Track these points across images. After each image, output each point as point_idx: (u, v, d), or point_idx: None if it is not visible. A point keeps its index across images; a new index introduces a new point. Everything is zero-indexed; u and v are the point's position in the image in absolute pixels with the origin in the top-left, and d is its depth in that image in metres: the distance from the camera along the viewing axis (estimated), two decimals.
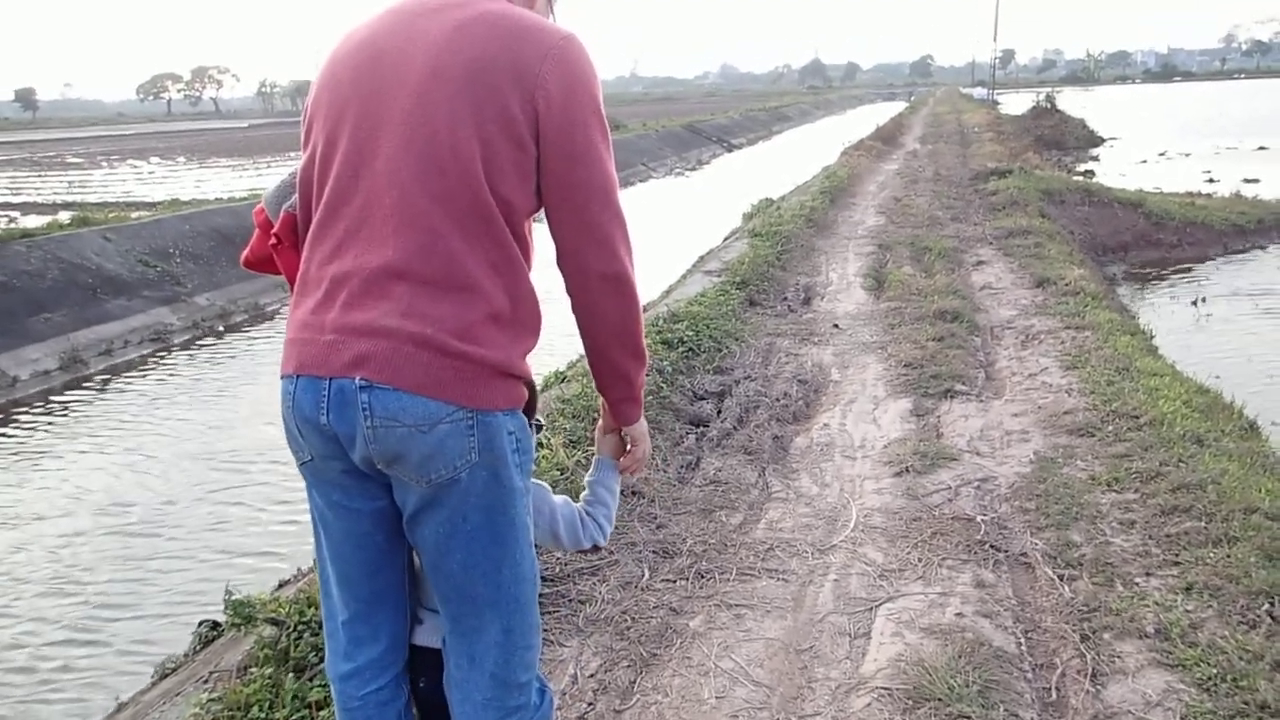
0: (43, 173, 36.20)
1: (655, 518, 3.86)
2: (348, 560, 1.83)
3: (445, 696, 1.87)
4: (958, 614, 3.09)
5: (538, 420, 1.95)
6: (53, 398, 9.33)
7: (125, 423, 8.45)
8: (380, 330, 1.62)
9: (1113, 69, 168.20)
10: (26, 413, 8.85)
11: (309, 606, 2.75)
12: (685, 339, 5.94)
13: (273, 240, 1.87)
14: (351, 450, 1.68)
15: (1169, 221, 12.92)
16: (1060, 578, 3.29)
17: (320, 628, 2.21)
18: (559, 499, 2.04)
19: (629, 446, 2.05)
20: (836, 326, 6.83)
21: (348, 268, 1.66)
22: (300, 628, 2.67)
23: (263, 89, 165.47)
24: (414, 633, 1.95)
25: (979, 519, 3.73)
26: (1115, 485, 3.90)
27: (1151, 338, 6.66)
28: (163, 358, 10.93)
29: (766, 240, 9.47)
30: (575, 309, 1.80)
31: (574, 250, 1.74)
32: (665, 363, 5.49)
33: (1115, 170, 22.06)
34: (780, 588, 3.34)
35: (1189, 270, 11.81)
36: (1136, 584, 3.20)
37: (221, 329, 12.23)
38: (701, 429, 4.91)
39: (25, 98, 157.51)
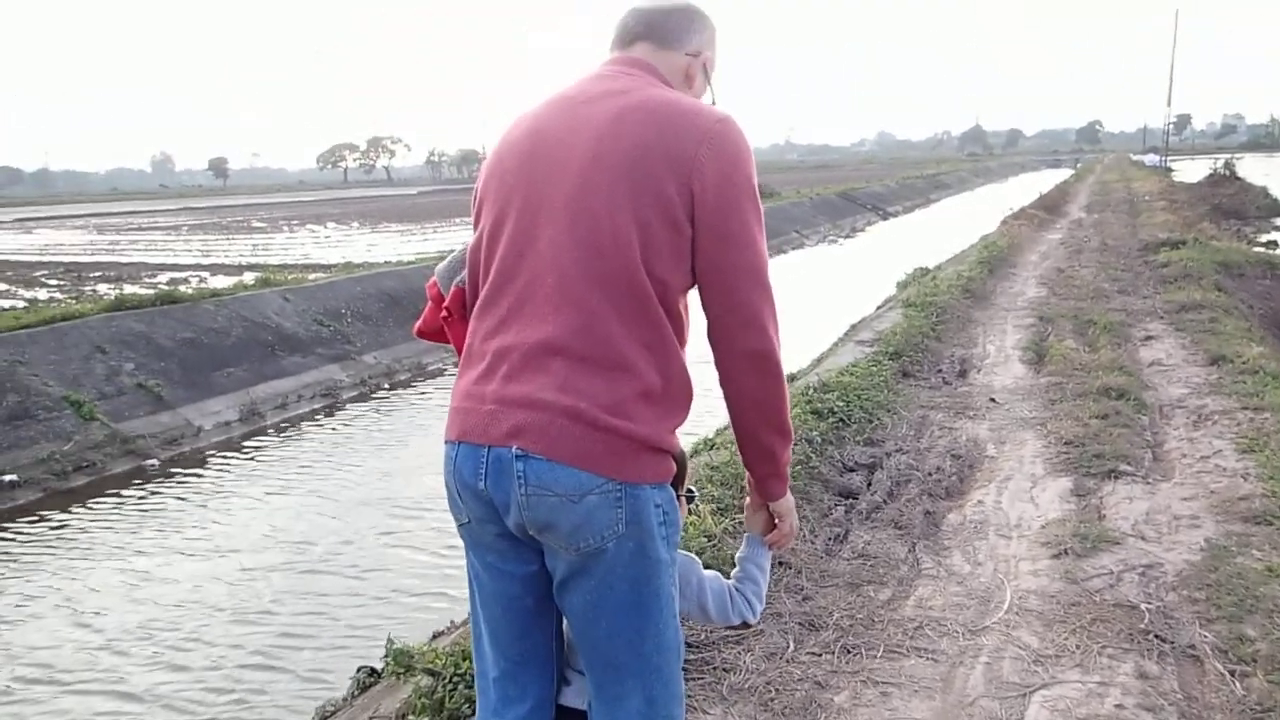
0: (230, 236, 38.67)
1: (801, 589, 3.84)
2: (497, 621, 1.92)
3: None
4: (1118, 705, 2.96)
5: (689, 491, 2.03)
6: (233, 447, 9.91)
7: (304, 468, 8.95)
8: (537, 403, 1.71)
9: None
10: (213, 457, 9.43)
11: (464, 659, 2.85)
12: (835, 409, 5.91)
13: (444, 314, 1.99)
14: (506, 516, 1.77)
15: None
16: (1232, 673, 3.11)
17: (474, 681, 2.29)
18: (709, 574, 2.07)
19: (776, 522, 2.06)
20: (993, 401, 6.67)
21: (510, 342, 1.77)
22: (455, 679, 2.78)
23: (431, 158, 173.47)
24: (562, 693, 2.00)
25: (1143, 607, 3.57)
26: None
27: None
28: (333, 412, 11.46)
29: (921, 310, 9.35)
30: (722, 384, 1.86)
31: (723, 328, 1.81)
32: (815, 433, 5.47)
33: None
34: (929, 667, 3.27)
35: None
36: None
37: (387, 386, 12.76)
38: (850, 501, 4.86)
39: (218, 167, 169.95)
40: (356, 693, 3.23)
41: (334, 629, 5.51)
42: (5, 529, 7.40)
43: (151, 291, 14.43)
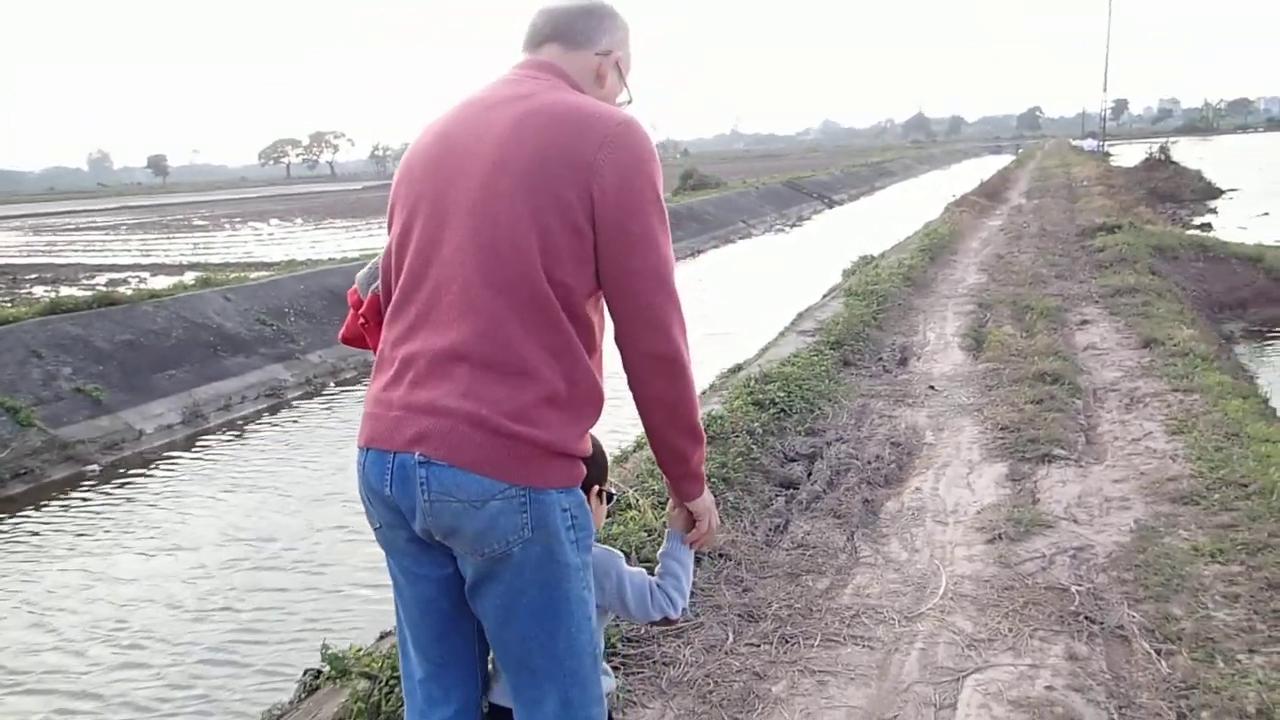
0: (171, 235, 38.05)
1: (741, 581, 3.87)
2: (417, 624, 1.95)
3: None
4: (1048, 687, 3.02)
5: (609, 489, 2.06)
6: (177, 449, 9.76)
7: (254, 467, 8.88)
8: (440, 409, 1.73)
9: (1233, 117, 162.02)
10: (157, 460, 9.29)
11: None
12: (777, 400, 5.96)
13: (360, 320, 2.05)
14: (413, 521, 1.79)
15: None
16: (1158, 652, 3.19)
17: None
18: (632, 569, 2.08)
19: (696, 521, 2.07)
20: (932, 388, 6.76)
21: (416, 349, 1.79)
22: (392, 682, 2.76)
23: (375, 152, 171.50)
24: (492, 691, 2.03)
25: (1074, 589, 3.64)
26: (1219, 557, 3.77)
27: (1267, 400, 6.41)
28: (278, 411, 11.33)
29: (862, 299, 9.43)
30: (631, 387, 1.87)
31: (628, 331, 1.82)
32: (756, 424, 5.51)
33: (1234, 223, 21.27)
34: (865, 655, 3.31)
35: None
36: (1239, 661, 3.08)
37: (334, 384, 12.63)
38: (791, 491, 4.90)
39: (157, 164, 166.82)
40: (303, 696, 3.21)
41: (293, 623, 5.49)
42: None
43: (89, 293, 14.14)
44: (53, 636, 5.48)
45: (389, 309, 1.89)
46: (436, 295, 1.79)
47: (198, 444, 9.93)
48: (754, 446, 5.23)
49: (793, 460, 5.33)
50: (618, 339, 1.84)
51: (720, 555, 4.02)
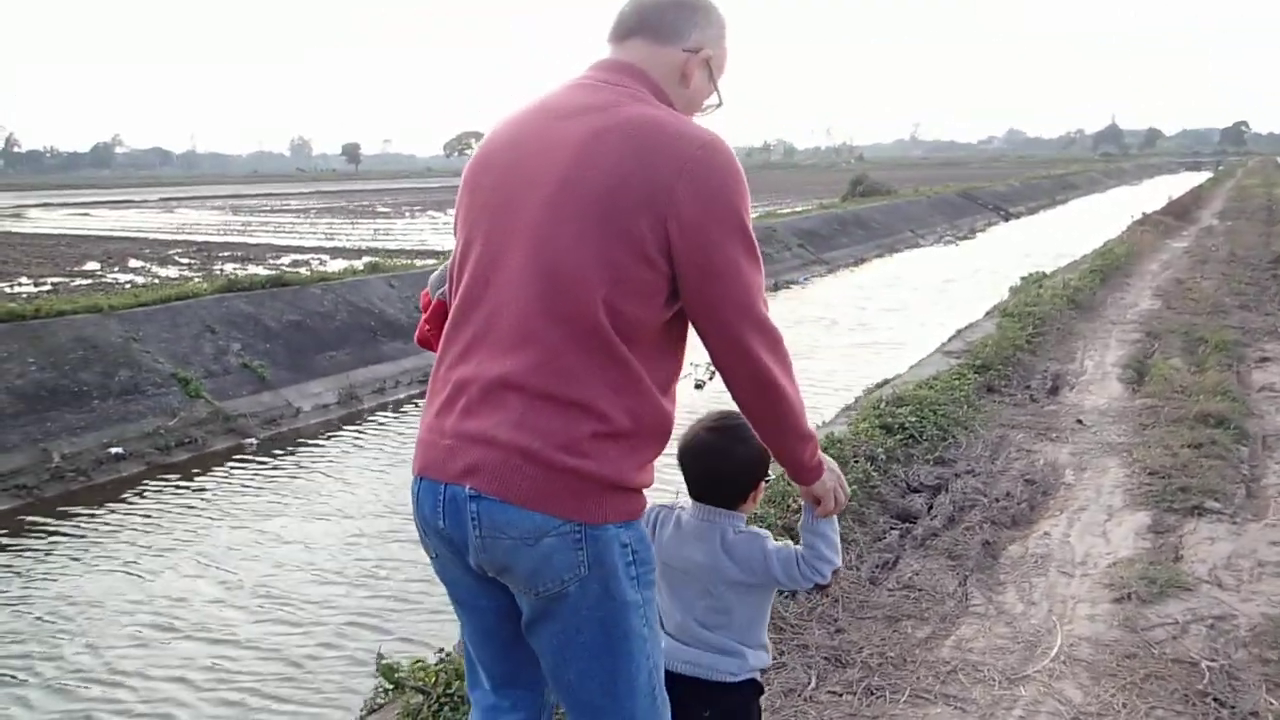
0: (354, 220, 39.68)
1: (835, 620, 3.66)
2: (480, 647, 1.92)
3: None
4: None
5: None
6: (332, 428, 10.09)
7: (404, 446, 8.93)
8: (492, 440, 1.65)
9: None
10: (312, 438, 9.66)
11: (456, 678, 2.78)
12: (907, 425, 5.67)
13: (425, 327, 2.01)
14: (467, 555, 1.73)
15: None
16: None
17: (461, 701, 2.38)
18: (776, 545, 2.15)
19: (821, 499, 2.04)
20: (1080, 422, 6.30)
21: (470, 374, 1.70)
22: (443, 699, 2.71)
23: None
24: None
25: (1205, 664, 3.29)
26: None
27: None
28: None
29: (1017, 321, 8.92)
30: (734, 400, 1.84)
31: (720, 360, 1.77)
32: (880, 449, 5.25)
33: None
34: (955, 718, 3.06)
35: None
36: None
37: None
38: (907, 525, 4.64)
39: (351, 152, 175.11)
40: (364, 714, 3.19)
41: (439, 594, 5.50)
42: (129, 497, 7.58)
43: (267, 273, 14.86)
44: (217, 589, 5.69)
45: (446, 328, 1.81)
46: (493, 319, 1.70)
47: (351, 423, 10.26)
48: (874, 473, 4.98)
49: (915, 491, 5.05)
50: (713, 362, 1.79)
51: (818, 587, 3.82)
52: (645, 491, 1.78)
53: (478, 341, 1.71)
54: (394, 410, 10.91)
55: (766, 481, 2.24)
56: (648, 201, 1.62)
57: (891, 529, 4.58)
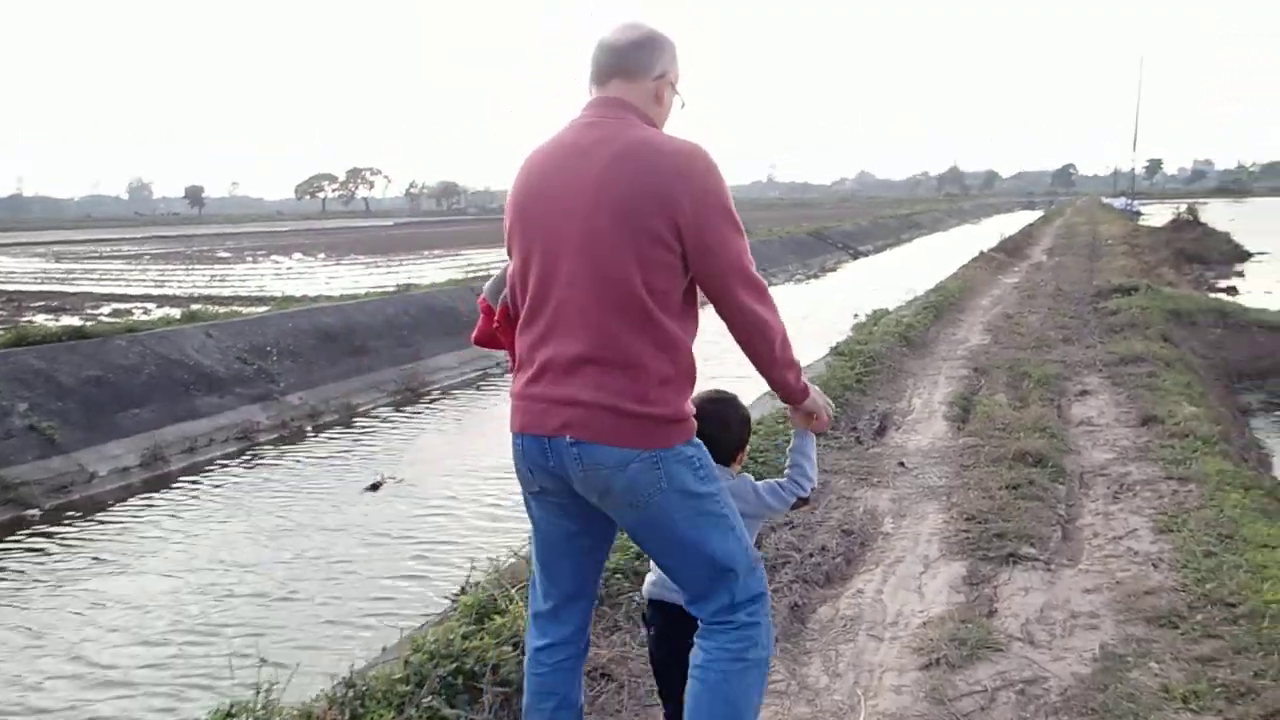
0: (190, 266, 37.81)
1: (619, 713, 3.25)
2: (547, 564, 2.50)
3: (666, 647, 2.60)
4: None
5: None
6: (132, 494, 9.24)
7: (208, 515, 8.35)
8: (579, 401, 2.22)
9: (1269, 179, 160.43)
10: (106, 506, 8.77)
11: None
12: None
13: (495, 324, 2.50)
14: (574, 486, 2.29)
15: None
16: None
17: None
18: (762, 482, 2.71)
19: (813, 414, 2.64)
20: (902, 465, 6.10)
21: (551, 354, 2.27)
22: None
23: (410, 189, 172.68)
24: (648, 587, 2.71)
25: None
26: (1193, 702, 3.12)
27: (1271, 494, 5.65)
28: (245, 454, 10.76)
29: (848, 360, 8.78)
30: (735, 338, 2.37)
31: (724, 313, 2.33)
32: None
33: (1261, 288, 20.50)
34: None
35: None
36: None
37: (310, 428, 12.08)
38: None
39: (194, 195, 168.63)
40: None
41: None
42: None
43: (70, 324, 13.76)
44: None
45: (520, 322, 2.37)
46: (559, 312, 2.26)
47: (156, 488, 9.42)
48: None
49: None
50: (721, 316, 2.33)
51: (603, 675, 3.41)
52: None
53: (551, 330, 2.27)
54: (206, 471, 10.07)
55: (748, 446, 2.81)
56: (658, 205, 2.18)
57: None
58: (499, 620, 3.48)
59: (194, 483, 9.55)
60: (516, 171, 2.41)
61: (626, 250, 2.18)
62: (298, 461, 10.35)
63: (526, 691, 2.60)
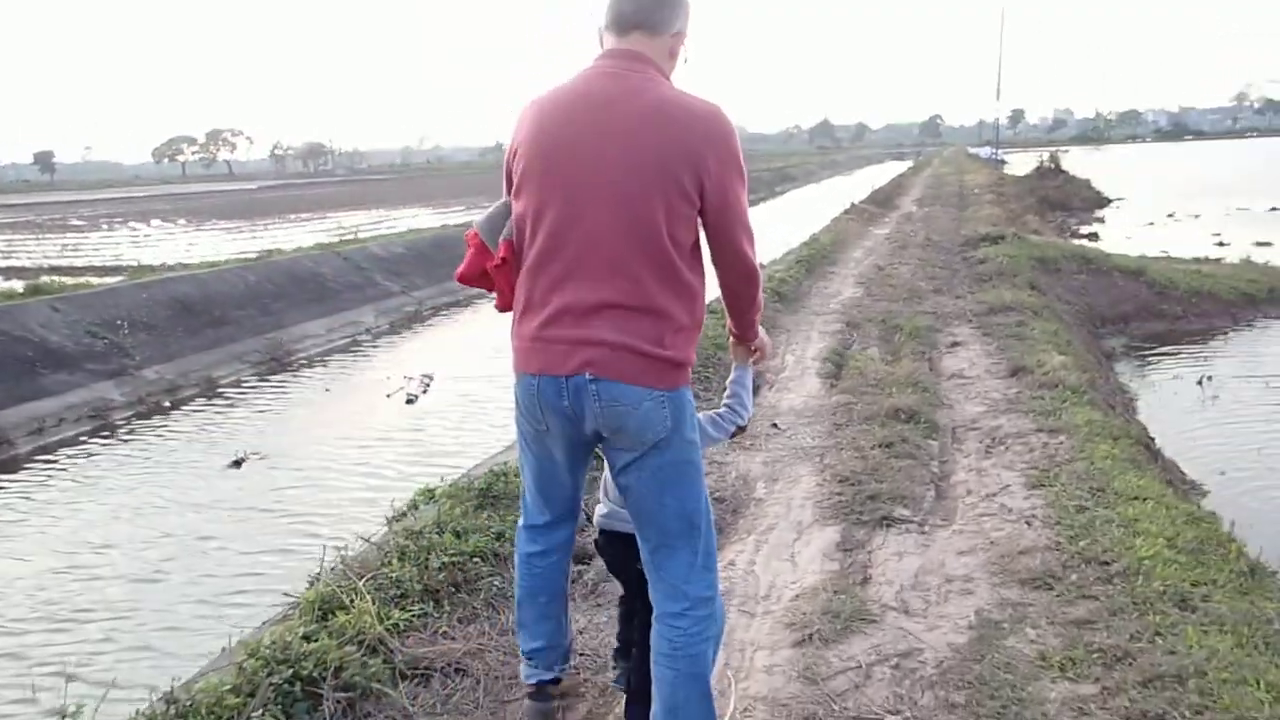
0: (40, 236, 35.73)
1: (474, 710, 3.00)
2: (548, 489, 2.67)
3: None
4: None
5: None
6: None
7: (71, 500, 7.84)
8: (602, 342, 2.30)
9: (1124, 128, 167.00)
10: None
11: None
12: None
13: (498, 261, 2.47)
14: (583, 424, 2.37)
15: (1173, 291, 12.08)
16: None
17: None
18: (701, 414, 2.74)
19: (756, 350, 2.86)
20: (775, 426, 5.96)
21: (569, 299, 2.32)
22: None
23: (275, 151, 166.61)
24: (601, 518, 2.80)
25: (889, 719, 2.86)
26: (1070, 669, 3.01)
27: (1139, 442, 5.69)
28: (100, 434, 10.13)
29: (719, 316, 8.58)
30: (721, 286, 2.54)
31: (723, 260, 2.45)
32: None
33: (1121, 233, 21.25)
34: None
35: (1197, 343, 10.96)
36: None
37: (168, 404, 11.43)
38: (585, 566, 4.04)
39: (44, 160, 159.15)
40: None
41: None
42: None
43: None
44: None
45: (529, 264, 2.39)
46: (582, 258, 2.31)
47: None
48: None
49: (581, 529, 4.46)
50: (715, 261, 2.45)
51: (458, 671, 3.15)
52: None
53: (570, 274, 2.32)
54: (58, 452, 9.41)
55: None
56: (688, 163, 2.27)
57: None
58: (342, 618, 3.19)
59: (46, 464, 9.01)
60: (525, 115, 2.45)
61: (656, 202, 2.27)
62: (157, 438, 9.85)
63: (519, 589, 2.83)
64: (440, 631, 3.35)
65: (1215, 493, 6.25)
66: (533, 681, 2.85)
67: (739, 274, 2.49)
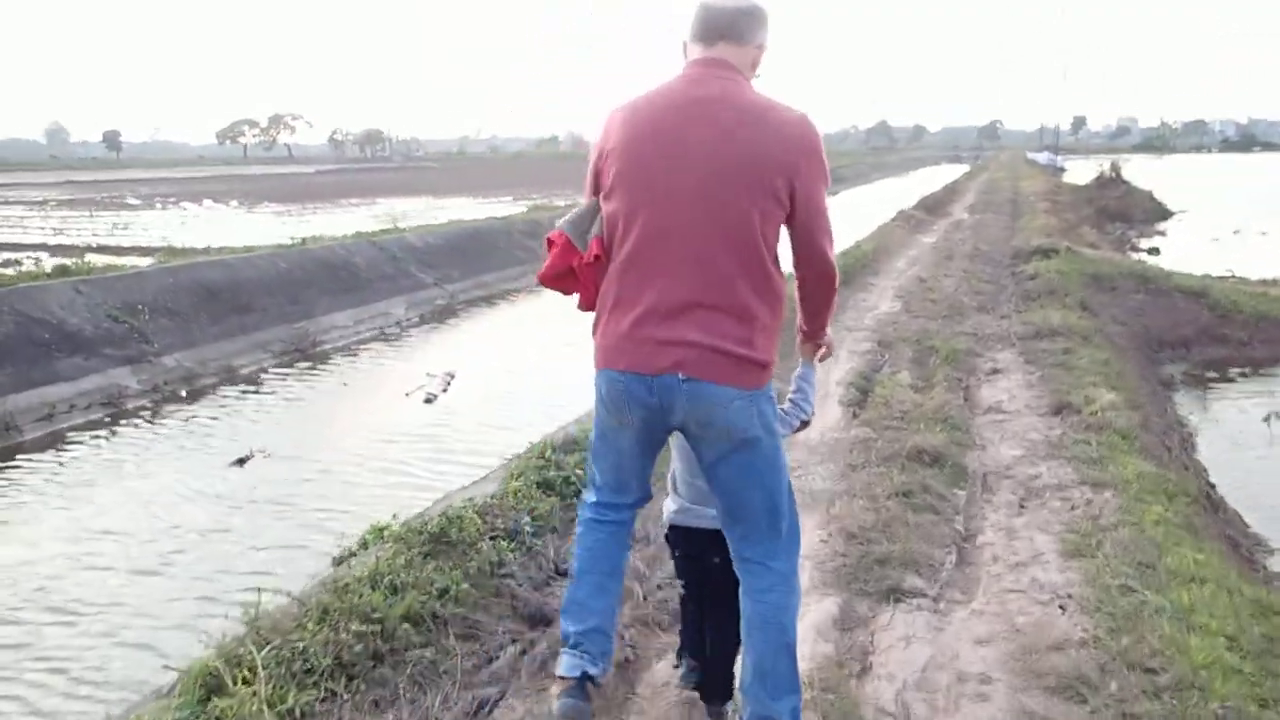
0: (95, 214, 36.03)
1: None
2: (624, 476, 2.72)
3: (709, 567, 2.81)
4: None
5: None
6: None
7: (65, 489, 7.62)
8: (691, 343, 2.42)
9: (1189, 137, 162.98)
10: None
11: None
12: (574, 478, 4.56)
13: (590, 259, 2.55)
14: (670, 418, 2.50)
15: (1237, 314, 11.26)
16: None
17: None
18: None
19: (823, 346, 2.95)
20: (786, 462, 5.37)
21: (657, 298, 2.44)
22: None
23: (334, 136, 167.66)
24: (677, 514, 2.91)
25: None
26: None
27: (1196, 500, 4.97)
28: (113, 423, 9.85)
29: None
30: (800, 287, 2.68)
31: (806, 261, 2.59)
32: (528, 518, 4.12)
33: (1183, 248, 20.24)
34: None
35: (1263, 374, 10.19)
36: None
37: (184, 393, 11.14)
38: (540, 631, 3.51)
39: (111, 139, 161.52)
40: None
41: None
42: None
43: None
44: None
45: (620, 261, 2.50)
46: (671, 259, 2.43)
47: (4, 459, 8.57)
48: (510, 554, 3.84)
49: (563, 575, 3.92)
50: (797, 262, 2.60)
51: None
52: None
53: (655, 273, 2.44)
54: (68, 440, 9.15)
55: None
56: (781, 168, 2.41)
57: (513, 641, 3.41)
58: (221, 703, 2.68)
59: (56, 452, 8.81)
60: (615, 119, 2.53)
61: (750, 205, 2.37)
62: (167, 429, 9.56)
63: (578, 561, 2.79)
64: None
65: None
66: (576, 675, 2.65)
67: (820, 274, 2.62)
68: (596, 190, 2.59)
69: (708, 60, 2.51)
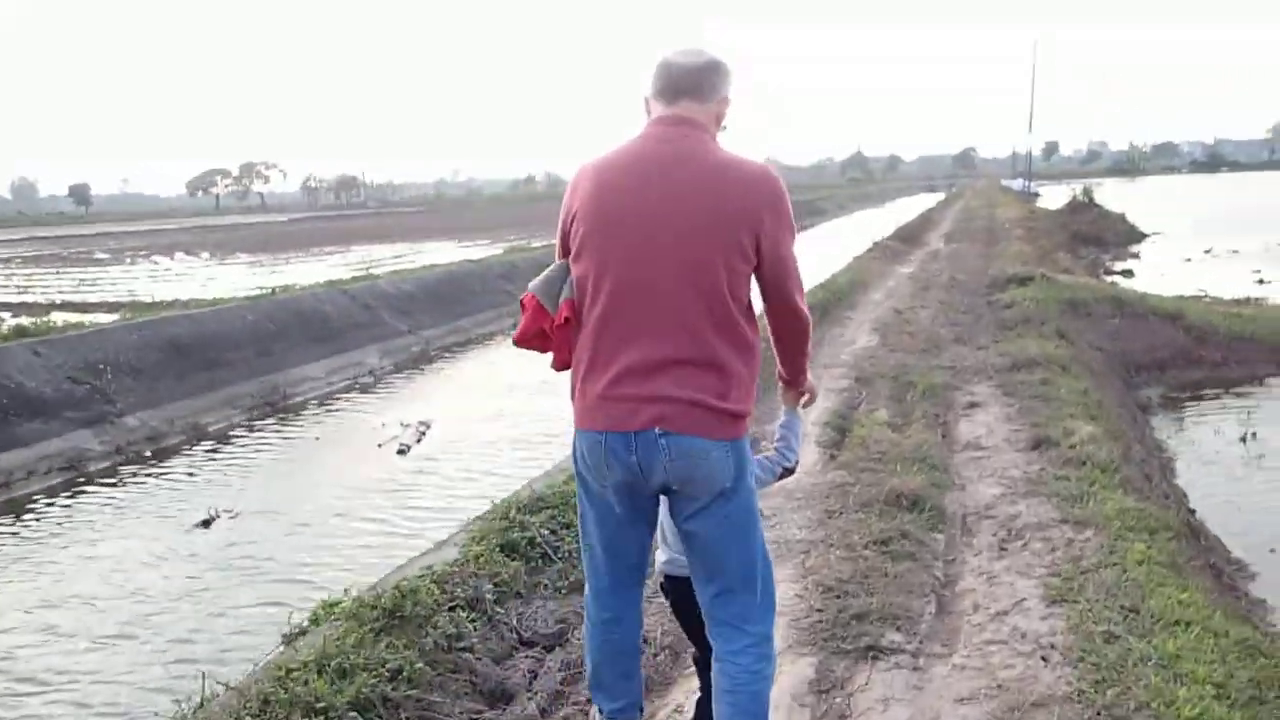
0: (61, 270, 35.66)
1: None
2: (616, 544, 2.70)
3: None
4: None
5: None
6: None
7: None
8: (669, 398, 2.43)
9: (1159, 160, 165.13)
10: None
11: None
12: (539, 539, 4.38)
13: (560, 321, 2.56)
14: (650, 478, 2.49)
15: (1212, 335, 11.27)
16: None
17: None
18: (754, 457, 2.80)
19: (803, 395, 2.98)
20: (761, 514, 5.21)
21: (636, 357, 2.45)
22: None
23: (307, 183, 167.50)
24: (665, 563, 2.92)
25: None
26: None
27: (1179, 534, 4.81)
28: (72, 488, 9.60)
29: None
30: (773, 334, 2.72)
31: (775, 311, 2.63)
32: (490, 585, 3.93)
33: (1156, 270, 20.35)
34: None
35: (1239, 393, 10.13)
36: None
37: (149, 454, 10.89)
38: (500, 710, 3.32)
39: (79, 193, 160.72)
40: None
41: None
42: None
43: None
44: None
45: (592, 322, 2.51)
46: (643, 317, 2.45)
47: None
48: (473, 624, 3.65)
49: (528, 643, 3.74)
50: (769, 312, 2.64)
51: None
52: None
53: (634, 333, 2.45)
54: (27, 508, 8.89)
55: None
56: (747, 223, 2.44)
57: None
58: None
59: (16, 520, 8.53)
60: (581, 180, 2.57)
61: (717, 261, 2.40)
62: (132, 491, 9.34)
63: (596, 654, 2.82)
64: None
65: (1264, 575, 5.54)
66: None
67: (791, 323, 2.66)
68: (566, 252, 2.60)
69: (670, 118, 2.53)
